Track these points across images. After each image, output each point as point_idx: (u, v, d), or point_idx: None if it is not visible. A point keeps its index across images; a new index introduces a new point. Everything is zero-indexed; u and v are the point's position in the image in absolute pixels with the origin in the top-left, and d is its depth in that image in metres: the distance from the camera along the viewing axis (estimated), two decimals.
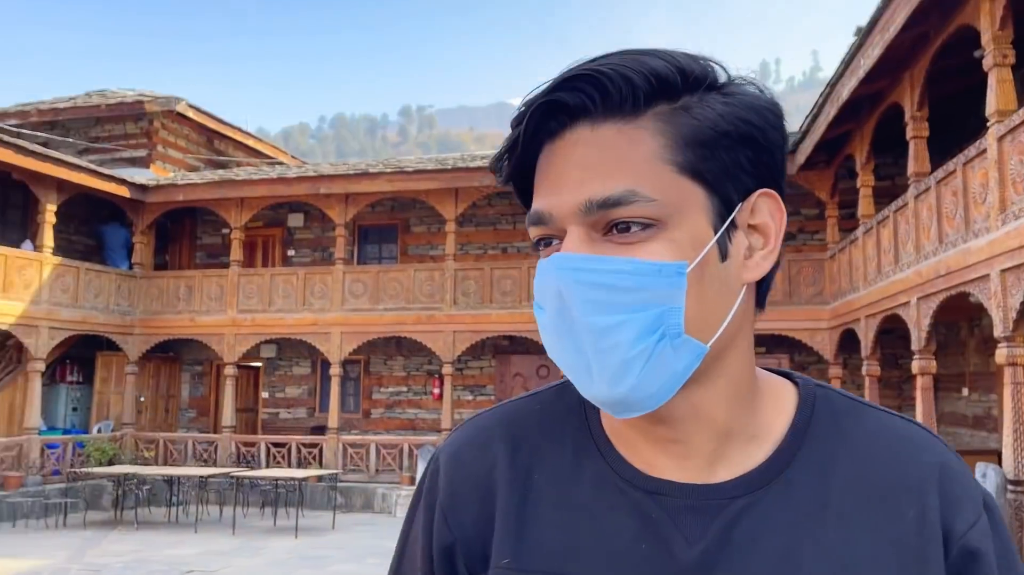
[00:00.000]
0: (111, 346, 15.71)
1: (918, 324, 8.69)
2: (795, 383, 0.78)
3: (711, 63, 0.69)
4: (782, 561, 0.68)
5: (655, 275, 0.65)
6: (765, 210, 0.70)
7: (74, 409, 16.06)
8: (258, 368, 17.35)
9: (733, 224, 0.69)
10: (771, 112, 0.69)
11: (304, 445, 14.93)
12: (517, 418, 0.79)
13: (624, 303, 0.65)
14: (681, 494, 0.71)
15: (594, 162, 0.67)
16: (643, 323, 0.65)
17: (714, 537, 0.69)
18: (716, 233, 0.67)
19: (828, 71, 49.33)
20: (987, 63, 7.01)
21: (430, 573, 0.77)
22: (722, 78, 0.69)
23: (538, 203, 0.70)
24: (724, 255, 0.68)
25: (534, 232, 0.71)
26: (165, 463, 14.99)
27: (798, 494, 0.71)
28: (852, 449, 0.73)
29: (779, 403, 0.75)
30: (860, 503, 0.70)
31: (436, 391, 15.84)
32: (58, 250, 14.51)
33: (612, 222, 0.66)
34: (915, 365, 8.87)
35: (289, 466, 14.56)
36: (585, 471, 0.74)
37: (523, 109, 0.69)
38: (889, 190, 12.42)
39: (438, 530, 0.77)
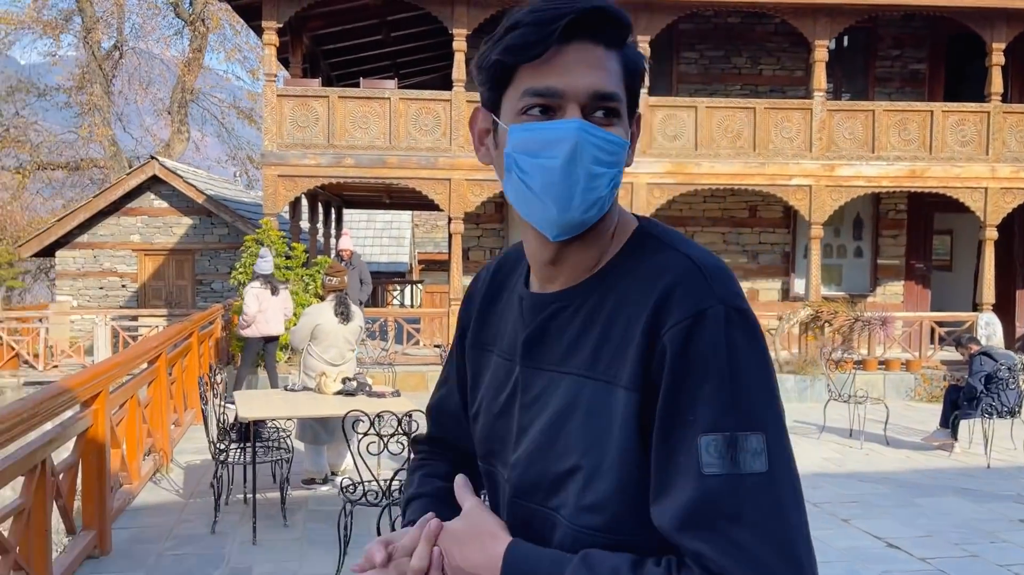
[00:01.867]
0: None
1: None
2: (639, 223, 1.08)
3: None
4: (569, 347, 1.03)
5: (621, 148, 1.00)
6: (636, 125, 1.07)
7: None
8: None
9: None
10: (645, 62, 1.05)
11: None
12: (505, 259, 1.22)
13: (607, 162, 0.98)
14: (531, 298, 1.09)
15: (597, 67, 0.98)
16: (611, 176, 0.99)
17: (536, 325, 1.07)
18: (629, 129, 1.04)
19: None
20: None
21: (458, 340, 1.26)
22: None
23: (550, 81, 0.97)
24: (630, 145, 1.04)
25: (536, 100, 0.98)
26: None
27: (589, 304, 1.03)
28: (635, 275, 1.01)
29: (618, 243, 1.05)
30: (620, 310, 1.00)
31: None
32: None
33: (599, 109, 0.98)
34: None
35: None
36: (515, 284, 1.15)
37: (554, 17, 0.95)
38: None
39: (462, 317, 1.25)
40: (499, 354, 1.15)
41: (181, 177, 16.85)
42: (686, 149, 11.77)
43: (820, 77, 11.80)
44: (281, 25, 11.17)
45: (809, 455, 7.88)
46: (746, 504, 0.87)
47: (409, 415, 5.03)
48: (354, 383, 5.91)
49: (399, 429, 4.62)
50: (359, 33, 14.22)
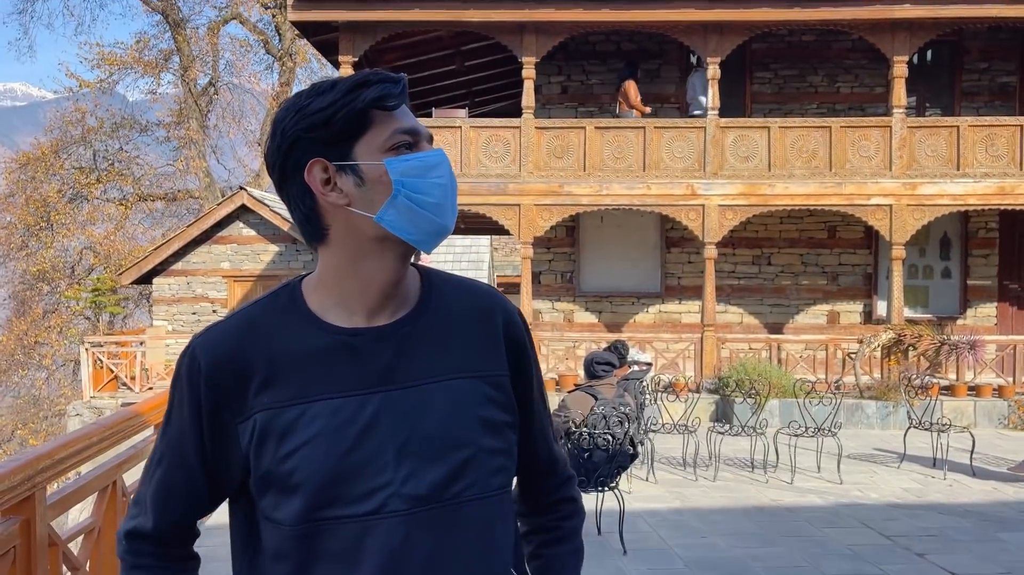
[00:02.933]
0: None
1: None
2: (415, 266, 1.30)
3: None
4: (428, 361, 1.21)
5: None
6: None
7: None
8: None
9: None
10: None
11: None
12: (247, 317, 1.23)
13: None
14: (370, 332, 1.20)
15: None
16: None
17: (392, 352, 1.20)
18: None
19: None
20: None
21: (201, 426, 1.19)
22: None
23: (411, 123, 1.20)
24: None
25: (406, 138, 1.19)
26: None
27: (434, 322, 1.24)
28: (458, 296, 1.29)
29: (414, 278, 1.28)
30: (465, 321, 1.26)
31: None
32: None
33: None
34: None
35: None
36: (305, 335, 1.20)
37: (392, 79, 1.20)
38: None
39: (206, 397, 1.18)
40: (332, 395, 1.17)
41: (267, 206, 17.55)
42: (759, 170, 11.59)
43: (900, 93, 11.47)
44: (357, 59, 11.57)
45: (887, 484, 7.59)
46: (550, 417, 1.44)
47: None
48: None
49: None
50: (433, 64, 14.59)
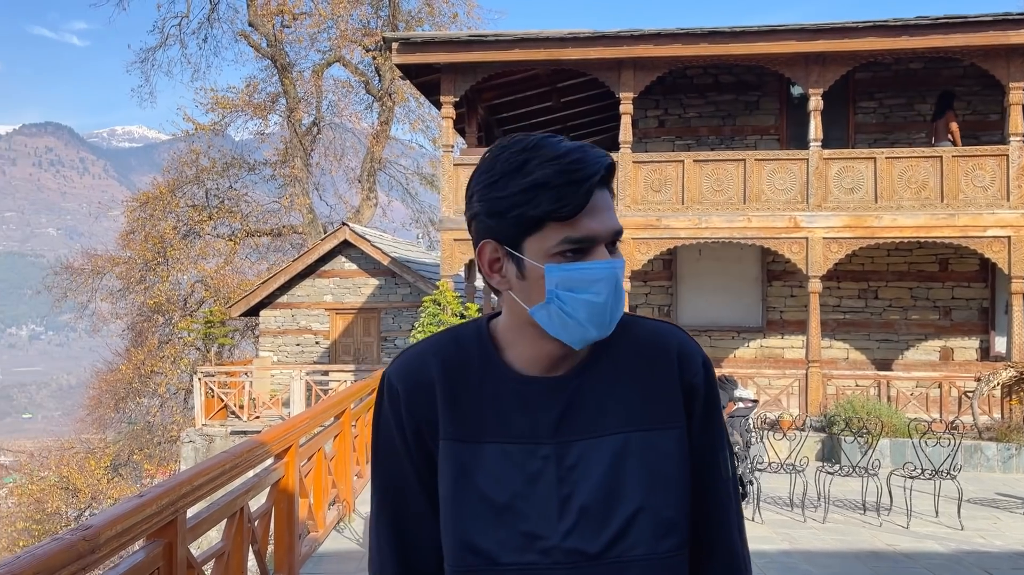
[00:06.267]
0: None
1: None
2: None
3: None
4: (597, 415, 1.18)
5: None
6: None
7: None
8: None
9: None
10: None
11: None
12: (439, 346, 1.25)
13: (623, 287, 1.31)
14: (544, 383, 1.20)
15: (610, 209, 1.17)
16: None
17: (564, 404, 1.19)
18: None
19: None
20: None
21: (409, 450, 1.22)
22: None
23: (587, 232, 1.13)
24: None
25: (573, 246, 1.13)
26: None
27: (608, 371, 1.21)
28: (635, 343, 1.23)
29: None
30: (641, 368, 1.21)
31: None
32: None
33: (613, 241, 1.17)
34: None
35: None
36: (487, 375, 1.21)
37: (587, 176, 1.12)
38: None
39: (407, 421, 1.22)
40: (502, 441, 1.18)
41: (368, 241, 18.09)
42: (865, 202, 11.29)
43: (1017, 121, 11.02)
44: (457, 99, 11.90)
45: (1012, 531, 7.19)
46: (736, 497, 1.29)
47: None
48: None
49: None
50: (531, 101, 14.86)
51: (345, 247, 18.40)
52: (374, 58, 25.96)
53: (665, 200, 11.56)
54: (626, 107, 11.61)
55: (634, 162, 11.61)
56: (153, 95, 30.74)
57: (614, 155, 11.68)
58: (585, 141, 1.18)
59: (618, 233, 1.16)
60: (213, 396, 16.16)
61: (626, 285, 11.67)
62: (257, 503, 5.07)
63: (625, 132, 11.63)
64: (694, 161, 11.60)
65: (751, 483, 6.47)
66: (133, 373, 25.08)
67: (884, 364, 12.73)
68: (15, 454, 32.61)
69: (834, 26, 10.95)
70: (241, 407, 16.02)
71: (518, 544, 1.15)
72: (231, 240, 27.07)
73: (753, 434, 7.32)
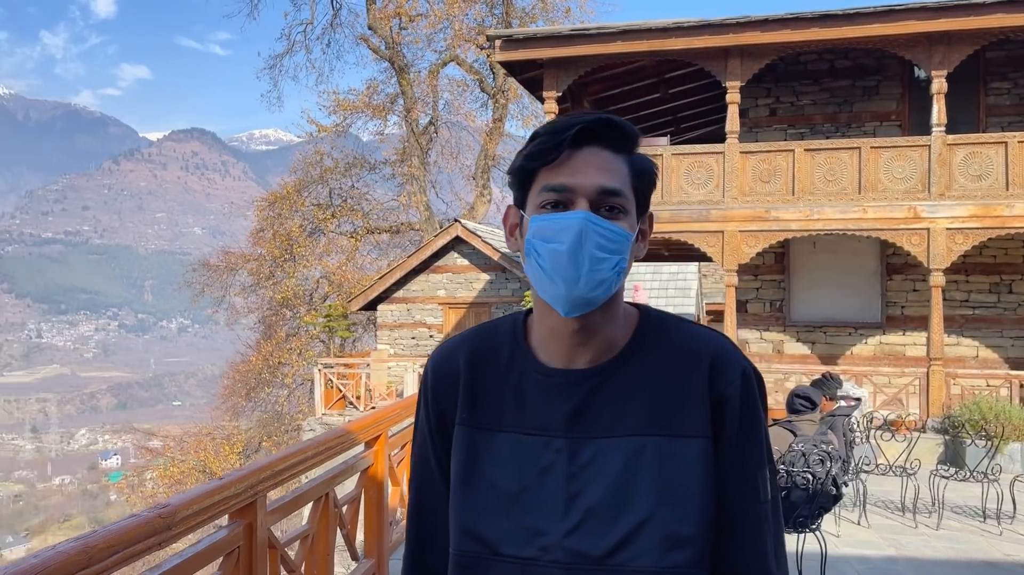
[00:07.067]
0: None
1: None
2: (639, 310, 1.25)
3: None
4: (616, 415, 1.15)
5: (624, 238, 1.15)
6: (648, 222, 1.24)
7: None
8: None
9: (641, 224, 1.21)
10: (656, 168, 1.22)
11: None
12: (474, 337, 1.28)
13: (610, 248, 1.13)
14: (563, 375, 1.18)
15: (603, 168, 1.15)
16: (614, 262, 1.13)
17: (580, 399, 1.16)
18: (637, 225, 1.19)
19: None
20: None
21: (431, 433, 1.27)
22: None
23: (562, 179, 1.14)
24: (636, 238, 1.19)
25: (550, 196, 1.15)
26: None
27: (633, 372, 1.17)
28: (667, 346, 1.19)
29: (628, 323, 1.22)
30: (670, 373, 1.17)
31: None
32: None
33: (605, 204, 1.14)
34: None
35: None
36: (514, 364, 1.21)
37: (566, 127, 1.14)
38: None
39: (432, 405, 1.26)
40: (518, 431, 1.18)
41: (479, 237, 18.40)
42: (994, 190, 10.55)
43: None
44: (560, 93, 11.92)
45: None
46: (776, 522, 1.21)
47: None
48: None
49: None
50: (638, 93, 14.69)
51: (457, 243, 18.79)
52: (488, 56, 26.31)
53: (774, 191, 11.19)
54: (733, 96, 11.31)
55: (741, 152, 11.30)
56: (281, 99, 32.28)
57: (720, 147, 11.43)
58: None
59: (605, 191, 1.13)
60: (332, 387, 16.87)
61: (733, 279, 11.39)
62: (347, 489, 5.30)
63: (732, 122, 11.33)
64: (805, 150, 11.17)
65: (846, 485, 6.20)
66: (263, 364, 26.49)
67: (1019, 363, 11.87)
68: (163, 439, 35.06)
69: (959, 3, 10.26)
70: (358, 397, 16.64)
71: (521, 537, 1.14)
72: (353, 237, 28.11)
73: (857, 434, 7.01)
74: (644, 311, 1.24)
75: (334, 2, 29.69)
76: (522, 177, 1.18)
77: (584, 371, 1.17)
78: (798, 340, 12.84)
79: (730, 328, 11.45)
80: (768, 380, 11.43)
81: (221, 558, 3.41)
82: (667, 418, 1.14)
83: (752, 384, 1.18)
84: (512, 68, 12.71)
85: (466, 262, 18.97)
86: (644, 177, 1.19)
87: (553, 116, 12.09)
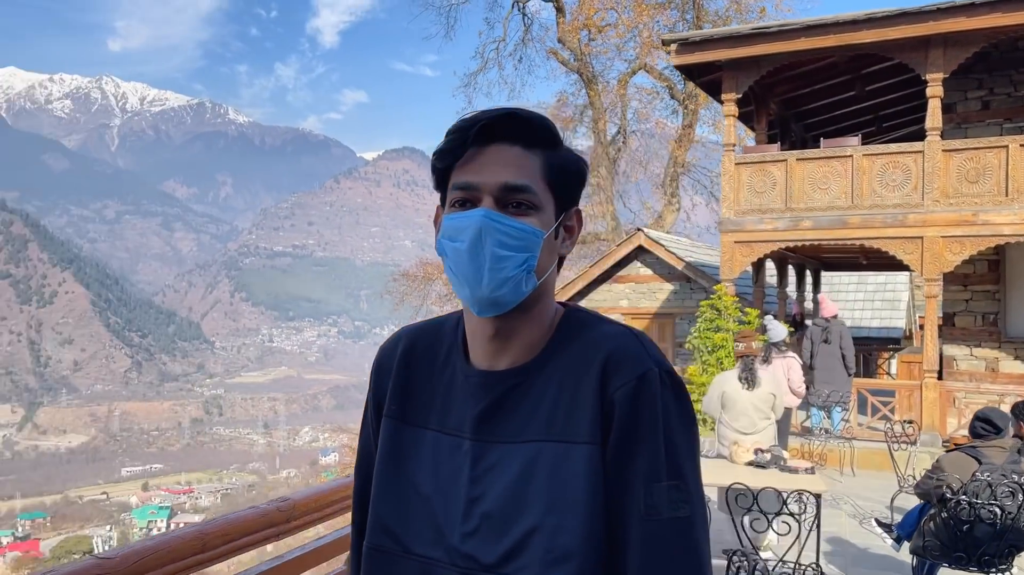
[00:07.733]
0: None
1: None
2: (565, 310, 1.20)
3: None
4: (524, 420, 1.11)
5: (531, 235, 1.10)
6: (575, 219, 1.20)
7: None
8: None
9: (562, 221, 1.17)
10: (584, 164, 1.19)
11: None
12: (418, 331, 1.27)
13: (513, 247, 1.09)
14: (481, 376, 1.15)
15: (510, 164, 1.12)
16: (520, 260, 1.09)
17: (490, 402, 1.14)
18: (556, 222, 1.15)
19: None
20: None
21: (371, 421, 1.27)
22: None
23: (467, 177, 1.12)
24: (556, 235, 1.16)
25: (457, 194, 1.12)
26: None
27: (540, 380, 1.13)
28: (574, 348, 1.14)
29: (553, 324, 1.17)
30: (572, 375, 1.11)
31: None
32: None
33: (511, 201, 1.11)
34: None
35: None
36: (450, 363, 1.20)
37: (471, 124, 1.11)
38: None
39: (372, 394, 1.27)
40: (439, 430, 1.16)
41: (663, 246, 18.05)
42: None
43: None
44: (739, 96, 11.45)
45: None
46: (676, 545, 1.06)
47: (819, 496, 4.75)
48: (767, 455, 5.74)
49: (784, 508, 4.39)
50: (832, 91, 13.82)
51: (640, 252, 18.54)
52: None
53: (984, 192, 10.07)
54: (934, 90, 10.32)
55: (944, 150, 10.28)
56: None
57: (918, 145, 10.49)
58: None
59: (510, 188, 1.10)
60: None
61: (933, 289, 10.37)
62: None
63: (933, 117, 10.33)
64: (1021, 145, 9.97)
65: None
66: None
67: None
68: None
69: None
70: None
71: (430, 537, 1.13)
72: None
73: None
74: (567, 311, 1.20)
75: (525, 18, 30.38)
76: (438, 176, 1.17)
77: (499, 373, 1.15)
78: (1016, 358, 11.46)
79: (930, 343, 10.42)
80: (979, 402, 10.31)
81: (346, 554, 3.57)
82: (563, 424, 1.10)
83: (652, 387, 1.08)
84: (690, 72, 12.38)
85: (649, 272, 18.67)
86: (563, 172, 1.14)
87: (732, 119, 11.65)
